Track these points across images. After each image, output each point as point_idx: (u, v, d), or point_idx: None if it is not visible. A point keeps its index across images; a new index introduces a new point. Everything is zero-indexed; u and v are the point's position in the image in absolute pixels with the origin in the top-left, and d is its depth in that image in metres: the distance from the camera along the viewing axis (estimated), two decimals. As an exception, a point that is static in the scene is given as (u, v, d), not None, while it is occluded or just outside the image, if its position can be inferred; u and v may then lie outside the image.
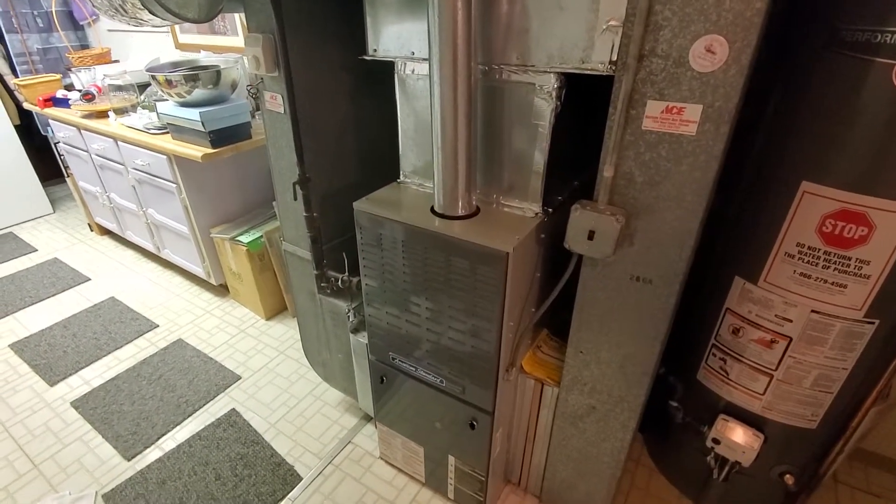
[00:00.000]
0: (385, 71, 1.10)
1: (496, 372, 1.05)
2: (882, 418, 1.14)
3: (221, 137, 1.87)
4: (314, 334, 1.59)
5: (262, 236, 2.07)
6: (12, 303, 2.36)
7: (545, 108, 0.89)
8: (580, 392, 1.11)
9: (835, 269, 0.93)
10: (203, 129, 1.80)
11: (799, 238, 0.94)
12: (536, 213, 1.00)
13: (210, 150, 1.84)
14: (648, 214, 0.83)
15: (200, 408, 1.75)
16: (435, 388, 1.19)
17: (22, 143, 3.04)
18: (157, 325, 2.18)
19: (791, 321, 1.03)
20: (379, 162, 1.48)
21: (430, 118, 0.93)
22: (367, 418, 1.68)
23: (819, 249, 0.93)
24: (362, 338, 1.39)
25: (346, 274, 1.28)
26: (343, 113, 1.32)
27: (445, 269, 0.99)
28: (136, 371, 1.92)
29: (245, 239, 2.06)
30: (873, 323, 0.95)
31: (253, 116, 1.99)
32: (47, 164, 3.06)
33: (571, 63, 0.83)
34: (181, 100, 1.87)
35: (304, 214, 1.23)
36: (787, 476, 1.21)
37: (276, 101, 1.19)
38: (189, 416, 1.71)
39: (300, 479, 1.48)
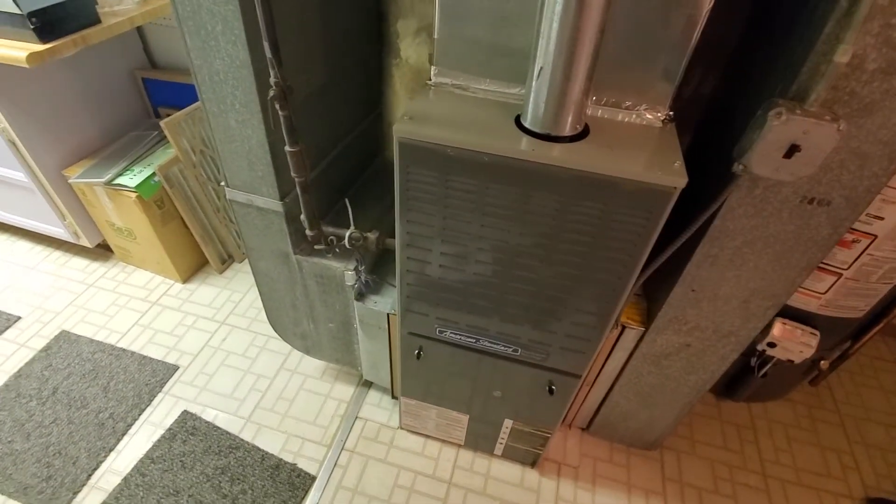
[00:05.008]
0: None
1: (603, 334, 0.83)
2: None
3: (53, 23, 1.17)
4: (288, 303, 1.19)
5: (154, 174, 1.47)
6: None
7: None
8: (676, 332, 0.95)
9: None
10: (18, 11, 1.09)
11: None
12: (664, 120, 0.71)
13: (39, 47, 1.15)
14: (863, 116, 0.60)
15: (135, 420, 1.30)
16: (503, 358, 0.94)
17: None
18: (19, 318, 1.54)
19: (882, 219, 0.94)
20: (354, 51, 1.02)
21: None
22: (367, 384, 1.40)
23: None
24: (373, 304, 1.05)
25: (354, 229, 0.90)
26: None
27: (560, 219, 0.69)
28: (13, 390, 1.35)
29: (130, 181, 1.44)
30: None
31: (96, -12, 1.27)
32: None
33: None
34: (-46, -42, 1.09)
35: (290, 149, 0.78)
36: (822, 362, 1.25)
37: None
38: (123, 434, 1.27)
39: (312, 478, 1.20)
